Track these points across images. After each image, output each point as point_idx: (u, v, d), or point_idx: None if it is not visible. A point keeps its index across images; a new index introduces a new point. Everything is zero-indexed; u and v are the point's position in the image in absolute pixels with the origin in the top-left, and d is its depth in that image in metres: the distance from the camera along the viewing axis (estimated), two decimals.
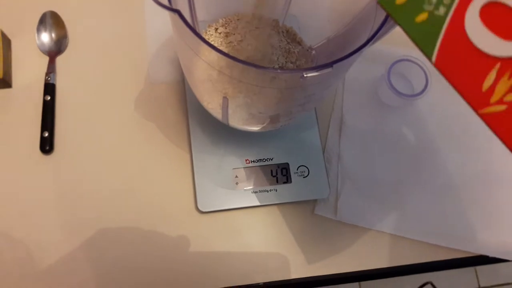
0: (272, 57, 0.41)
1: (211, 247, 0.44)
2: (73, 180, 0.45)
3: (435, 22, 0.24)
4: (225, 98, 0.32)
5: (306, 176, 0.46)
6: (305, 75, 0.24)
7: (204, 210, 0.44)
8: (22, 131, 0.46)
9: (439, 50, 0.23)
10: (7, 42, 0.48)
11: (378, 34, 0.26)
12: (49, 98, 0.47)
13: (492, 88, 0.22)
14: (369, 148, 0.50)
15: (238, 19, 0.43)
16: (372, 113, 0.52)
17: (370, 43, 0.27)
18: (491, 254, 0.47)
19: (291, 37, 0.44)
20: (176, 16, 0.26)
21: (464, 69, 0.23)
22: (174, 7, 0.28)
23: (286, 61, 0.42)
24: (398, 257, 0.47)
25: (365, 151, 0.50)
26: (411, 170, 0.50)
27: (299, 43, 0.44)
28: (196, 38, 0.25)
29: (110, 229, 0.44)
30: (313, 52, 0.43)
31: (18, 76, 0.48)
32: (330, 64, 0.24)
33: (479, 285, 1.21)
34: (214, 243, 0.44)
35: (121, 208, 0.44)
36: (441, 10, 0.23)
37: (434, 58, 0.24)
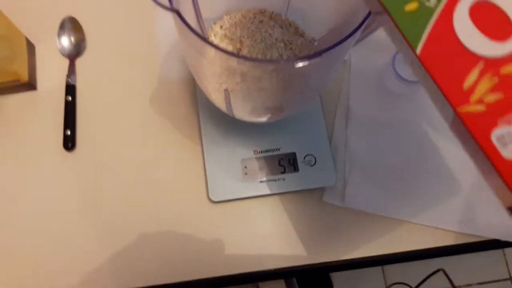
0: (275, 49, 0.42)
1: (223, 235, 0.46)
2: (94, 174, 0.48)
3: (424, 13, 0.23)
4: (226, 91, 0.33)
5: (313, 165, 0.48)
6: (296, 65, 0.26)
7: (215, 200, 0.46)
8: (47, 130, 0.49)
9: (425, 42, 0.23)
10: (31, 48, 0.52)
11: (363, 26, 0.27)
12: (70, 98, 0.50)
13: (473, 87, 0.22)
14: (376, 135, 0.51)
15: (242, 15, 0.45)
16: (378, 100, 0.52)
17: (353, 35, 0.28)
18: (503, 237, 0.47)
19: (294, 30, 0.45)
20: (176, 16, 0.28)
21: (447, 65, 0.23)
22: (176, 7, 0.31)
23: (289, 53, 0.43)
24: (407, 243, 0.48)
25: (372, 138, 0.51)
26: (418, 156, 0.50)
27: (302, 35, 0.45)
28: (195, 37, 0.27)
29: (127, 219, 0.47)
30: (316, 43, 0.44)
31: (42, 79, 0.52)
32: (319, 53, 0.26)
33: (510, 276, 1.18)
34: (226, 231, 0.47)
35: (137, 199, 0.47)
36: (432, 2, 0.23)
37: (419, 50, 0.23)
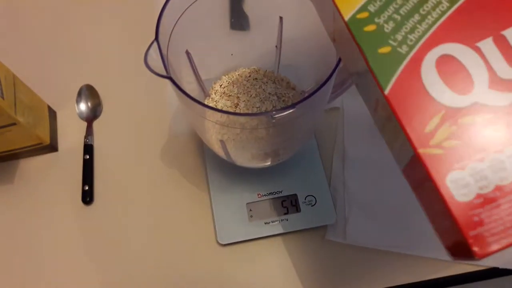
0: (269, 102, 0.47)
1: (231, 276, 0.49)
2: (110, 224, 0.52)
3: (396, 57, 0.25)
4: (222, 141, 0.38)
5: (314, 205, 0.51)
6: (274, 116, 0.30)
7: (223, 243, 0.49)
8: (67, 186, 0.54)
9: (394, 84, 0.25)
10: (52, 114, 0.58)
11: (329, 81, 0.32)
12: (88, 157, 0.55)
13: (433, 131, 0.24)
14: (373, 174, 0.54)
15: (238, 74, 0.50)
16: (372, 142, 0.56)
17: (318, 91, 0.32)
18: (502, 265, 0.48)
19: (286, 84, 0.50)
20: (170, 82, 0.33)
21: (412, 108, 0.25)
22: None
23: (282, 105, 0.48)
24: (409, 275, 0.49)
25: (370, 177, 0.54)
26: None
27: (293, 88, 0.50)
28: (188, 99, 0.32)
29: (139, 265, 0.49)
30: (306, 94, 0.49)
31: (62, 140, 0.57)
32: (293, 106, 0.30)
33: None
34: (234, 273, 0.49)
35: (150, 246, 0.50)
36: (404, 49, 0.26)
37: (387, 90, 0.25)
